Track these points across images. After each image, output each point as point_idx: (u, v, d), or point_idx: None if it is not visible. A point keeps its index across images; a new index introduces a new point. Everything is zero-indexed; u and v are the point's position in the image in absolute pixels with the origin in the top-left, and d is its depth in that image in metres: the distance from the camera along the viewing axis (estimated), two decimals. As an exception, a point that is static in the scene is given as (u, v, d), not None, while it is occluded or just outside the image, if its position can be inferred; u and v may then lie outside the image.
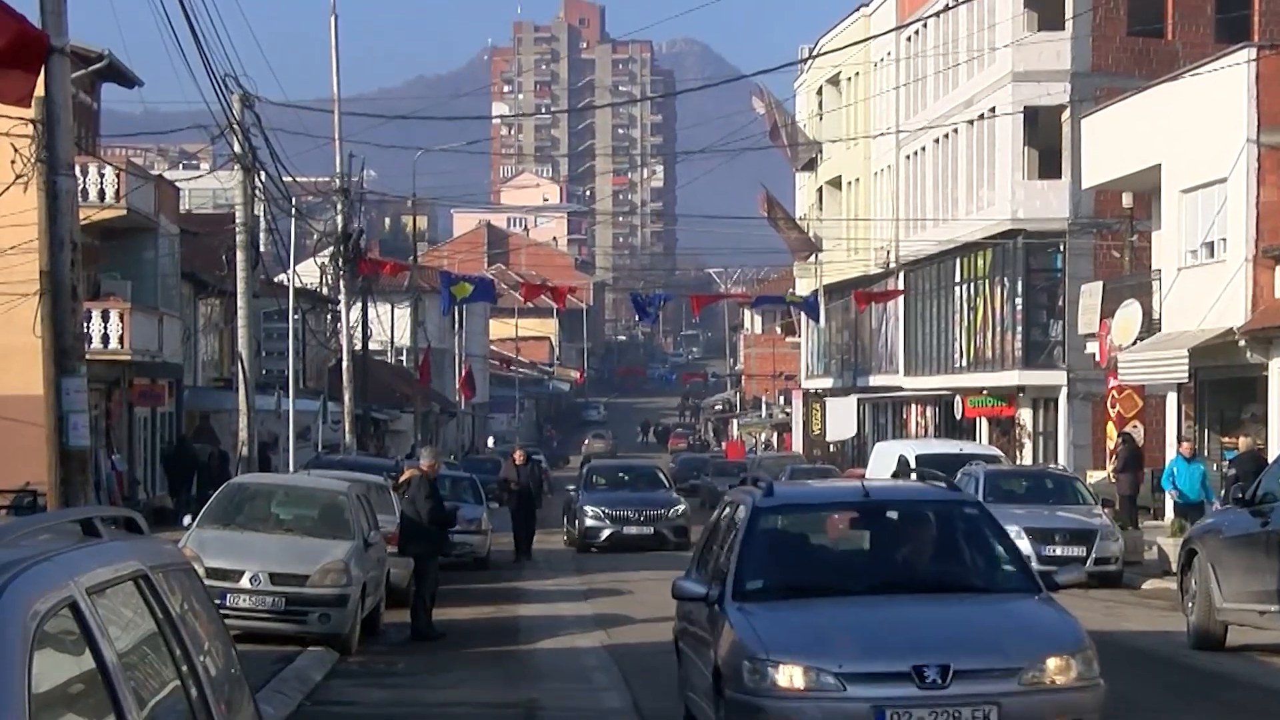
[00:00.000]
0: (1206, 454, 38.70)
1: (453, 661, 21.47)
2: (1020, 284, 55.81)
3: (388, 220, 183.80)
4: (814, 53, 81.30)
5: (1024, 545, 30.92)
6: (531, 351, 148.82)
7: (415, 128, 46.82)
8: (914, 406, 70.63)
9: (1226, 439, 37.91)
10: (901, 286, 67.40)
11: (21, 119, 16.94)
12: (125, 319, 45.89)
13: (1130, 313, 41.27)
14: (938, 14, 61.13)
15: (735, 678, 11.96)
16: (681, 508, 43.40)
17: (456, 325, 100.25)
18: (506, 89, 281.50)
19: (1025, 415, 56.70)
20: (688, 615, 15.12)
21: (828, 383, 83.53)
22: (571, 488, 46.68)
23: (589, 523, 42.28)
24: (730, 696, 12.06)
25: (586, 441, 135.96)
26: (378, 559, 23.81)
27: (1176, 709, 17.81)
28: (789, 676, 11.63)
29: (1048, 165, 55.45)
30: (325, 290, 62.80)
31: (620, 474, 47.39)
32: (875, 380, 73.89)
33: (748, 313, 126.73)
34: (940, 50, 60.23)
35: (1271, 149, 36.02)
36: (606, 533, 42.04)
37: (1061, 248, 54.20)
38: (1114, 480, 39.40)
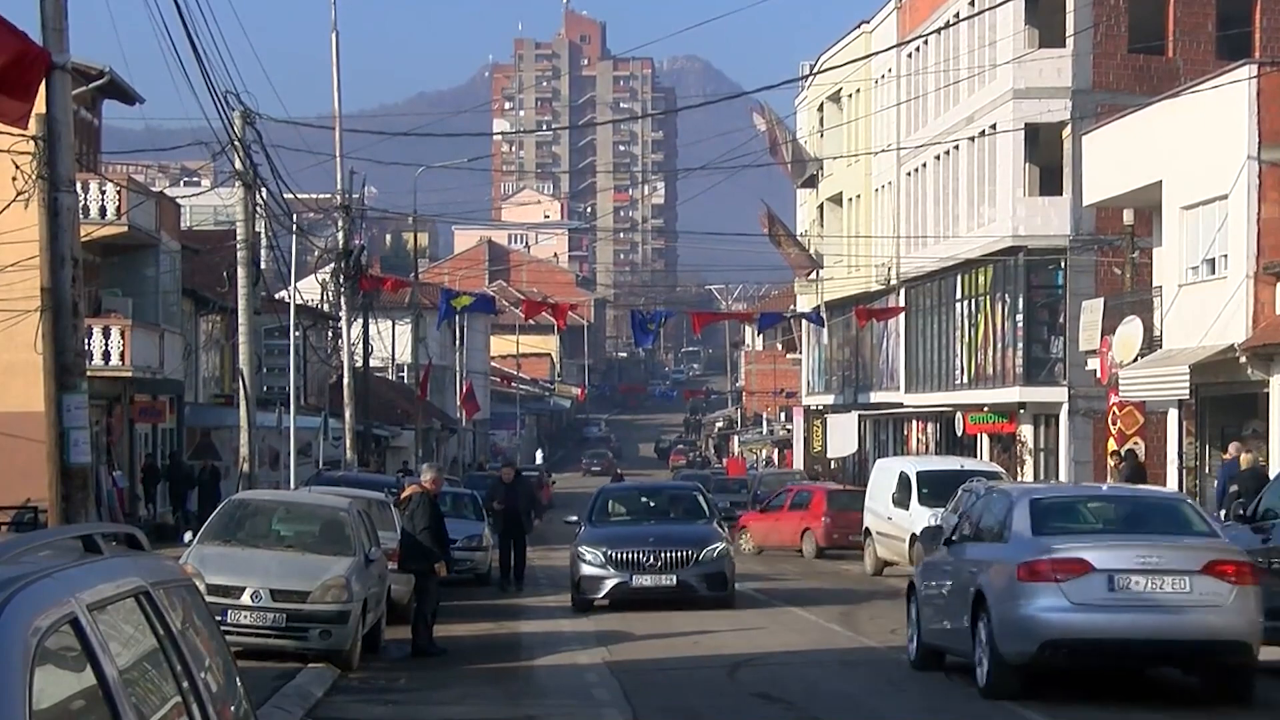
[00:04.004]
0: (1207, 470, 38.71)
1: (454, 678, 21.45)
2: (1021, 301, 55.82)
3: (389, 237, 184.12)
4: (815, 69, 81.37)
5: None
6: (532, 368, 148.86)
7: (416, 144, 46.86)
8: (915, 423, 70.62)
9: (1227, 455, 37.90)
10: (902, 303, 67.41)
11: (23, 136, 16.97)
12: (126, 335, 45.92)
13: (1131, 329, 41.28)
14: (938, 31, 61.20)
15: None
16: (720, 547, 31.15)
17: (457, 341, 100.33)
18: (508, 106, 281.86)
19: (1026, 432, 56.69)
20: None
21: (829, 399, 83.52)
22: (574, 518, 35.47)
23: (585, 570, 30.78)
24: None
25: (583, 463, 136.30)
26: (379, 575, 23.78)
27: (1178, 726, 17.82)
28: None
29: (1049, 182, 55.47)
30: (326, 307, 62.88)
31: (643, 499, 35.43)
32: (876, 397, 73.88)
33: (748, 329, 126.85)
34: (941, 67, 60.27)
35: (1272, 166, 36.02)
36: (608, 585, 30.56)
37: (1062, 264, 54.20)
38: None
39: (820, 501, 50.17)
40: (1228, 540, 19.48)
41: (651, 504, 34.71)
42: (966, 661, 19.90)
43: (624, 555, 30.51)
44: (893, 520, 40.62)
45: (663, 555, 30.48)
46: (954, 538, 21.54)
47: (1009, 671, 18.80)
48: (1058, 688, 19.16)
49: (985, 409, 58.28)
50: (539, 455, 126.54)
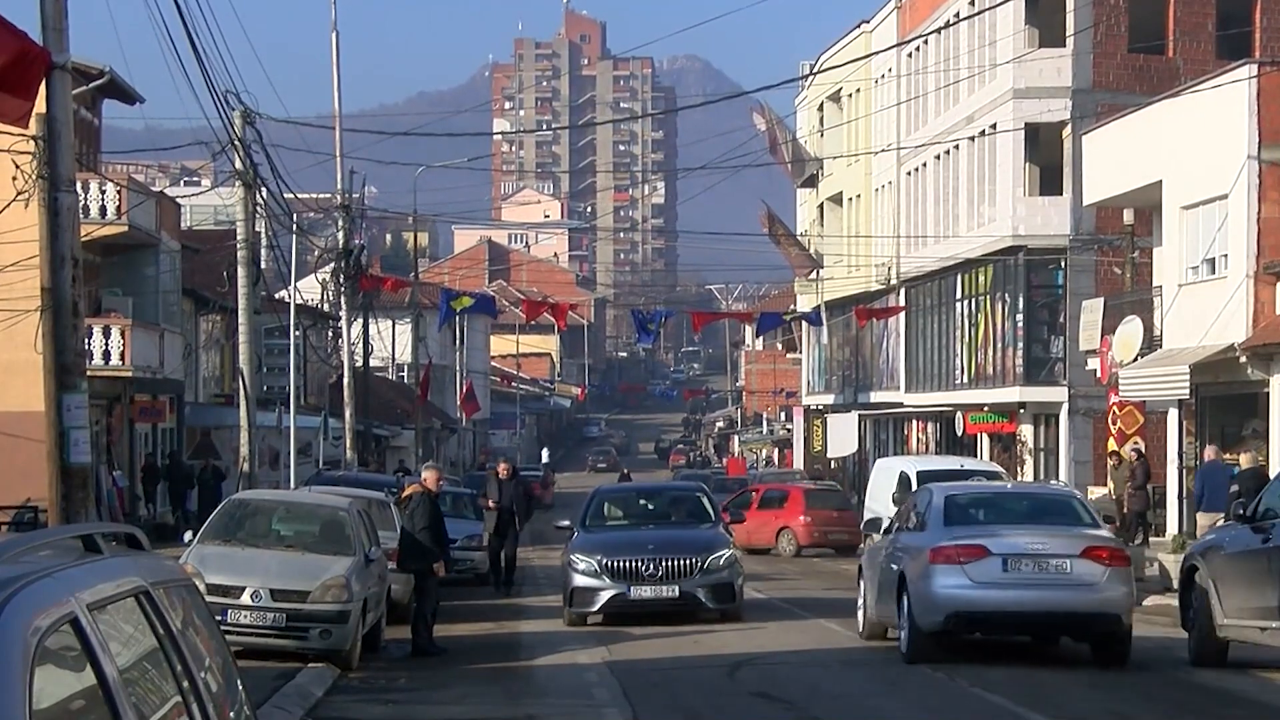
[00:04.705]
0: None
1: (454, 678, 21.45)
2: (1021, 300, 55.82)
3: (389, 236, 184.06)
4: (815, 69, 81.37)
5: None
6: (532, 368, 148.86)
7: (416, 144, 46.86)
8: (915, 423, 70.61)
9: (1228, 455, 37.92)
10: (902, 303, 67.41)
11: (23, 135, 16.97)
12: (126, 335, 45.91)
13: (1131, 329, 41.28)
14: (939, 30, 61.20)
15: None
16: (726, 554, 28.14)
17: (457, 341, 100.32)
18: (508, 105, 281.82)
19: (1026, 431, 56.68)
20: None
21: (829, 399, 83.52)
22: (565, 523, 31.47)
23: (578, 581, 27.79)
24: None
25: (589, 460, 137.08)
26: (379, 575, 23.78)
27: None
28: None
29: (1049, 182, 55.47)
30: (326, 306, 62.86)
31: (641, 501, 32.60)
32: (876, 396, 73.87)
33: (748, 329, 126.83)
34: (941, 67, 60.27)
35: (1272, 165, 36.02)
36: (604, 597, 27.59)
37: (1063, 264, 54.21)
38: (1130, 495, 39.54)
39: (798, 500, 50.25)
40: (1107, 531, 23.53)
41: (650, 506, 31.89)
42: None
43: (621, 564, 27.54)
44: (893, 520, 40.69)
45: (664, 564, 27.53)
46: (893, 527, 25.16)
47: (924, 639, 22.01)
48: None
49: (985, 409, 58.28)
50: (545, 454, 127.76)
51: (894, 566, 23.14)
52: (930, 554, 21.99)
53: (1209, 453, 35.41)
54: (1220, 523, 33.11)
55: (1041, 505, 24.05)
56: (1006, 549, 21.77)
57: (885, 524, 26.58)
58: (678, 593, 27.48)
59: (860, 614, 25.64)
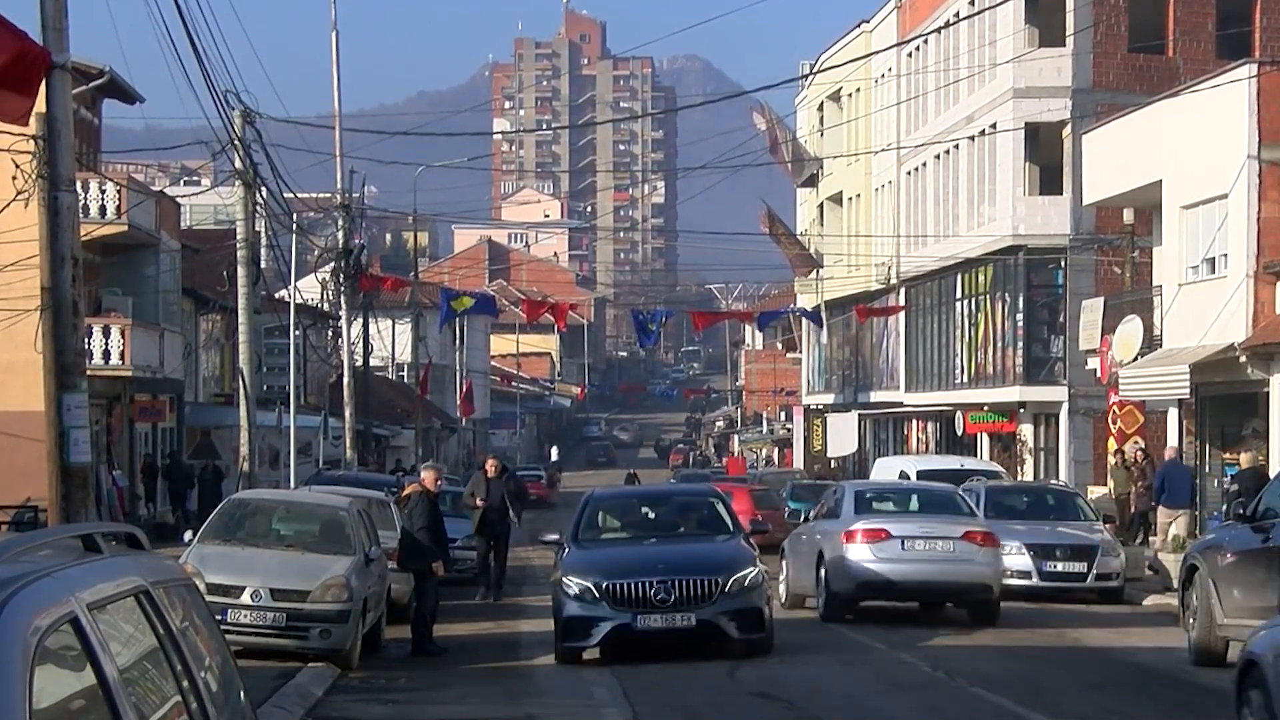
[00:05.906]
0: (1208, 470, 38.73)
1: (454, 677, 21.45)
2: (1021, 300, 55.83)
3: (389, 236, 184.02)
4: (815, 69, 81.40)
5: (1024, 561, 31.23)
6: (532, 367, 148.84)
7: (417, 144, 46.88)
8: (915, 422, 70.60)
9: (1228, 455, 37.96)
10: (902, 302, 67.42)
11: (23, 135, 16.97)
12: (126, 335, 45.89)
13: (1131, 329, 41.29)
14: (939, 30, 61.20)
15: None
16: (752, 573, 22.65)
17: (457, 341, 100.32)
18: (508, 105, 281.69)
19: (1026, 431, 56.69)
20: None
21: (829, 399, 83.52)
22: (554, 536, 26.08)
23: (571, 609, 22.56)
24: None
25: (591, 453, 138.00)
26: (379, 574, 23.78)
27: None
28: None
29: (1049, 181, 55.48)
30: (326, 306, 62.87)
31: (644, 509, 26.48)
32: (876, 396, 73.89)
33: (749, 328, 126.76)
34: (941, 66, 60.28)
35: (1272, 165, 36.02)
36: (605, 628, 22.38)
37: (1063, 264, 54.22)
38: (1139, 495, 39.58)
39: (745, 500, 50.27)
40: (984, 518, 29.18)
41: (655, 516, 26.04)
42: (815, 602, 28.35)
43: (624, 588, 22.30)
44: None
45: (677, 587, 22.25)
46: (812, 516, 30.70)
47: (838, 602, 27.44)
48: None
49: (985, 408, 58.28)
50: (554, 453, 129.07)
51: (815, 547, 28.24)
52: (844, 535, 27.31)
53: (1169, 452, 36.24)
54: (1180, 519, 33.98)
55: (931, 498, 29.37)
56: (904, 532, 27.32)
57: (803, 515, 32.99)
58: (694, 622, 22.32)
59: (782, 587, 30.38)
